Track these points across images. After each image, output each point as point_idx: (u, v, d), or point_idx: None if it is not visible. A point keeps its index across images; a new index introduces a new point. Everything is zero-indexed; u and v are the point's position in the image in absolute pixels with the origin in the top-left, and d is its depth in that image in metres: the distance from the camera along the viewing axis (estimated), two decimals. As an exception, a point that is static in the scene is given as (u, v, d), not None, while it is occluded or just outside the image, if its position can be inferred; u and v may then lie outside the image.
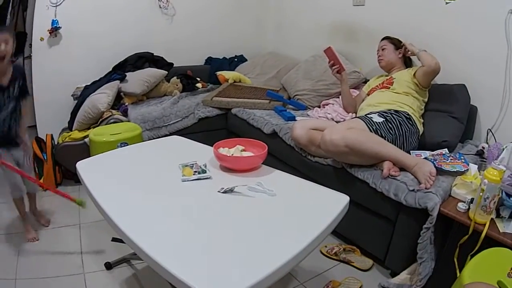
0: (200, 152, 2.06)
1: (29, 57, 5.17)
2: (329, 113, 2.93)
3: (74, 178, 3.69)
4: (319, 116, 2.93)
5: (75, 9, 4.14)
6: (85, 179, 1.80)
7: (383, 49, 2.72)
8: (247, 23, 4.68)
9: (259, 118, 3.11)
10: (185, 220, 1.41)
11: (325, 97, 3.21)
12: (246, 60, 4.58)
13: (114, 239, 2.65)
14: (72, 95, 4.10)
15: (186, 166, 1.79)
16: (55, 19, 4.05)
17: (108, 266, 2.43)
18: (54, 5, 4.04)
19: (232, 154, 1.87)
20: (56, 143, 3.76)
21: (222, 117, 3.61)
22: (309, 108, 3.19)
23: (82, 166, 1.97)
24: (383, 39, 2.75)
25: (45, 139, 3.78)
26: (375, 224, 2.13)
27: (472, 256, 1.49)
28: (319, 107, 3.18)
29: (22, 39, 5.42)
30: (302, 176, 1.78)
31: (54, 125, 4.10)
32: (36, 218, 3.11)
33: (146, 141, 2.65)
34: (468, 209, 1.74)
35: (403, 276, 1.98)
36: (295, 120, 2.90)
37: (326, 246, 2.32)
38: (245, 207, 1.46)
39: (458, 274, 1.67)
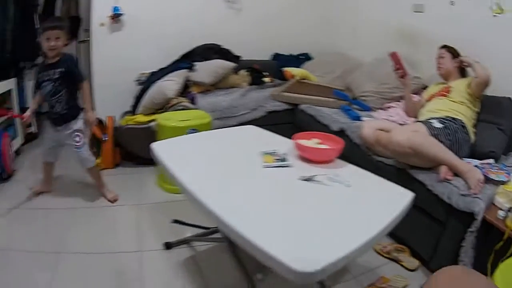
0: (276, 142, 2.17)
1: (84, 41, 5.38)
2: (392, 116, 3.02)
3: (133, 160, 3.84)
4: (383, 118, 2.99)
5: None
6: (164, 159, 1.95)
7: (441, 57, 2.77)
8: (314, 21, 4.72)
9: (327, 116, 3.22)
10: (269, 201, 1.52)
11: (387, 100, 3.30)
12: (311, 58, 4.64)
13: (175, 221, 2.74)
14: (136, 80, 4.23)
15: (267, 153, 1.91)
16: (116, 6, 4.14)
17: (168, 245, 2.51)
18: None
19: (310, 145, 1.99)
20: (118, 125, 3.91)
21: (289, 111, 3.69)
22: (373, 110, 3.24)
23: (158, 147, 2.12)
24: (441, 47, 2.80)
25: (104, 120, 3.93)
26: (426, 225, 2.21)
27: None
28: (381, 109, 3.24)
29: (76, 24, 5.60)
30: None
31: (113, 108, 4.18)
32: (102, 193, 3.29)
33: (222, 128, 2.71)
34: (506, 217, 1.84)
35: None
36: (361, 120, 2.99)
37: (379, 244, 2.40)
38: (324, 194, 1.57)
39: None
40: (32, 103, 3.17)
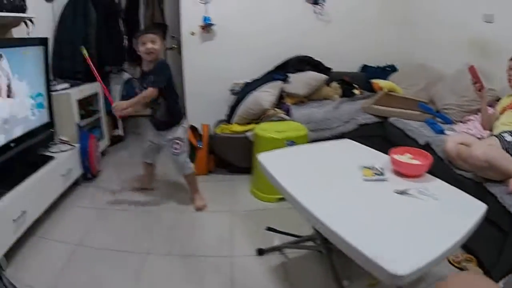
0: (372, 156, 2.36)
1: (171, 48, 5.68)
2: (470, 129, 3.14)
3: (226, 167, 4.08)
4: (462, 131, 3.14)
5: (227, 7, 4.42)
6: (270, 169, 2.15)
7: (511, 69, 2.77)
8: (397, 33, 4.89)
9: (414, 129, 3.34)
10: (368, 211, 1.73)
11: (467, 112, 3.42)
12: (396, 69, 4.84)
13: (268, 228, 2.89)
14: (230, 90, 4.47)
15: (366, 167, 2.12)
16: (207, 16, 4.33)
17: (261, 252, 2.63)
18: (204, 2, 4.35)
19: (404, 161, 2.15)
20: (213, 133, 4.08)
21: (378, 124, 3.82)
22: (454, 123, 3.39)
23: (265, 158, 2.32)
24: (510, 59, 2.78)
25: (199, 128, 4.16)
26: (491, 235, 2.28)
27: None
28: (461, 122, 3.38)
29: (162, 31, 5.89)
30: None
31: (206, 116, 4.42)
32: (193, 199, 3.44)
33: (318, 141, 2.86)
34: None
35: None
36: (444, 134, 3.12)
37: (451, 254, 2.46)
38: (414, 206, 1.77)
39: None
40: (128, 102, 3.06)
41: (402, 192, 1.90)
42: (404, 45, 4.93)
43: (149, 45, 3.00)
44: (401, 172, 2.12)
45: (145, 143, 3.50)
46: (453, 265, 2.49)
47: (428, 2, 4.54)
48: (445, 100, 3.64)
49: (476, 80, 2.99)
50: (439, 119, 3.51)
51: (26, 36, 3.50)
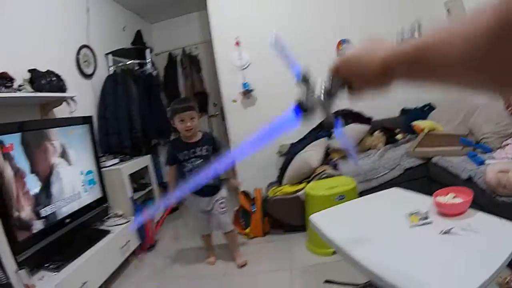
0: (418, 201, 2.42)
1: (214, 115, 5.90)
2: (509, 154, 3.20)
3: (282, 227, 4.18)
4: (502, 157, 3.21)
5: (264, 71, 4.61)
6: (323, 229, 2.23)
7: None
8: None
9: (456, 165, 3.36)
10: (417, 255, 1.83)
11: (504, 137, 3.49)
12: (433, 108, 4.83)
13: (326, 281, 2.97)
14: (278, 152, 4.63)
15: (412, 214, 2.24)
16: (245, 82, 4.58)
17: None
18: (241, 68, 4.62)
19: (447, 201, 2.22)
20: (265, 196, 4.28)
21: (423, 166, 3.89)
22: (493, 150, 3.45)
23: (316, 219, 2.39)
24: None
25: (252, 193, 4.36)
26: None
27: None
28: (500, 147, 3.43)
29: (203, 99, 6.17)
30: (488, 213, 2.14)
31: (256, 180, 4.61)
32: (233, 257, 3.63)
33: (367, 193, 2.89)
34: None
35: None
36: (484, 164, 3.13)
37: (500, 277, 2.51)
38: (458, 243, 1.89)
39: None
40: (171, 185, 3.52)
41: (446, 232, 2.03)
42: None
43: (188, 123, 3.21)
44: (445, 212, 2.25)
45: (197, 217, 3.63)
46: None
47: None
48: (482, 129, 3.66)
49: (508, 104, 3.11)
50: (479, 150, 3.53)
51: (70, 115, 3.80)
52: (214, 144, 3.43)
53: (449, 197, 2.31)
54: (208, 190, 3.45)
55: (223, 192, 3.55)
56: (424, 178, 3.88)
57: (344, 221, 2.40)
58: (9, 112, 3.26)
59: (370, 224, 2.30)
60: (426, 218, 2.23)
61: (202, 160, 3.31)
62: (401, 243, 2.03)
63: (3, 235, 2.61)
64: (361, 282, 2.78)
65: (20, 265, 2.66)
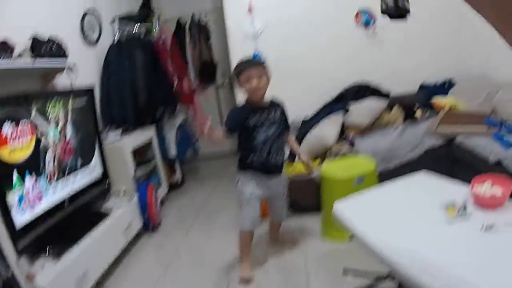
0: (451, 189, 2.28)
1: (222, 86, 5.90)
2: None
3: (295, 208, 3.93)
4: None
5: (275, 42, 4.51)
6: (348, 218, 2.12)
7: None
8: (451, 45, 4.83)
9: (483, 147, 3.19)
10: (456, 252, 1.70)
11: None
12: (453, 84, 4.62)
13: (345, 270, 2.86)
14: None
15: (449, 206, 2.06)
16: (256, 53, 4.44)
17: None
18: (254, 36, 4.47)
19: (485, 191, 2.06)
20: None
21: (446, 146, 3.64)
22: None
23: (340, 209, 2.24)
24: None
25: None
26: None
27: None
28: None
29: (212, 69, 6.04)
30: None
31: None
32: (280, 242, 3.43)
33: (397, 181, 2.61)
34: None
35: None
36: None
37: None
38: (504, 241, 1.73)
39: None
40: (218, 134, 2.78)
41: (488, 228, 1.87)
42: (459, 57, 4.80)
43: (255, 82, 2.72)
44: (484, 204, 2.05)
45: (250, 203, 2.92)
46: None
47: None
48: (508, 108, 3.58)
49: None
50: (505, 130, 3.36)
51: (70, 86, 3.60)
52: (283, 112, 2.98)
53: (486, 186, 2.11)
54: (276, 170, 2.98)
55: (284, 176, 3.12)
56: (448, 159, 3.66)
57: (371, 212, 2.24)
58: (8, 83, 3.06)
59: (401, 216, 2.14)
60: (464, 209, 2.04)
61: (276, 128, 2.86)
62: (439, 241, 1.85)
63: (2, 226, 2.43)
64: (378, 270, 2.67)
65: (20, 253, 2.53)
